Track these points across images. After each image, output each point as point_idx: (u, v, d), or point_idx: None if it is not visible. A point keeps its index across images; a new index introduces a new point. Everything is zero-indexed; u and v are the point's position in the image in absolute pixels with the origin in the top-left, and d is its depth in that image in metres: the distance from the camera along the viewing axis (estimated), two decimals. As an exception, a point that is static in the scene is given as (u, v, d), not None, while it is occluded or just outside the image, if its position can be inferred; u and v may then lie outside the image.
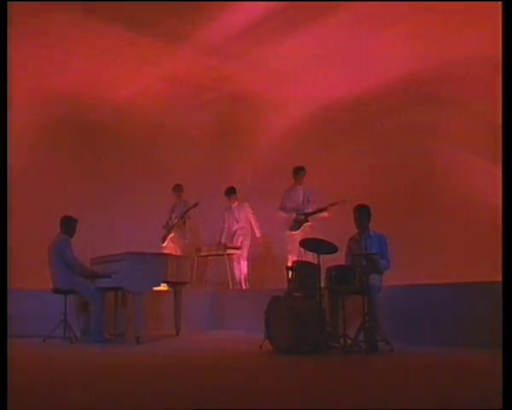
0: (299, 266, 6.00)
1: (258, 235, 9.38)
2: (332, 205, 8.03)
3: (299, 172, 8.50)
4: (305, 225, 8.28)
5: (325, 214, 8.16)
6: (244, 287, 9.15)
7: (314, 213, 8.25)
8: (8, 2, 4.28)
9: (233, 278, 9.28)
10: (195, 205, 9.19)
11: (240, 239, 9.36)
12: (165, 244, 9.54)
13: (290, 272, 5.94)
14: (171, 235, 9.54)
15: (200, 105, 10.20)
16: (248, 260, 9.38)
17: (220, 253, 9.26)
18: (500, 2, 3.72)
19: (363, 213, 6.29)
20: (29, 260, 8.72)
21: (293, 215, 8.36)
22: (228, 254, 9.21)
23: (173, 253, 8.75)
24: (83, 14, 7.92)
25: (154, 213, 9.63)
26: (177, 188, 9.70)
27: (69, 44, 8.64)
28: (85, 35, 8.47)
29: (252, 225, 9.40)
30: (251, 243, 9.42)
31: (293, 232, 8.29)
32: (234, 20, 8.10)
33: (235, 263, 9.32)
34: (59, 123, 9.85)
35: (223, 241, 9.35)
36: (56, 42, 8.49)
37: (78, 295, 7.15)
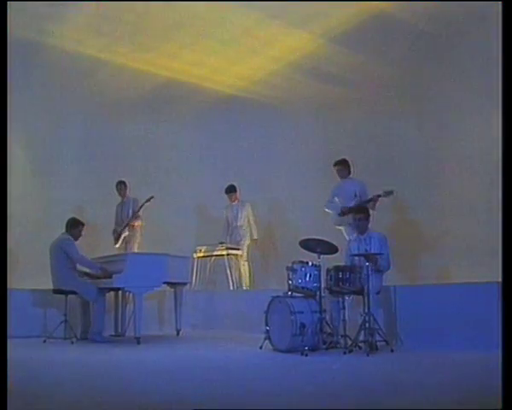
0: (299, 265, 5.99)
1: (255, 236, 9.38)
2: (378, 196, 7.22)
3: (336, 165, 7.80)
4: (347, 219, 7.35)
5: (370, 205, 7.20)
6: (244, 287, 9.15)
7: (362, 204, 7.25)
8: (9, 2, 4.29)
9: (233, 278, 9.28)
10: (150, 198, 8.80)
11: (238, 238, 9.35)
12: (118, 245, 9.09)
13: (290, 272, 5.94)
14: (125, 234, 9.11)
15: (198, 106, 10.21)
16: (248, 260, 9.38)
17: (220, 253, 9.24)
18: (500, 3, 3.73)
19: (359, 213, 6.29)
20: (29, 261, 8.75)
21: (339, 210, 7.55)
22: (228, 255, 9.20)
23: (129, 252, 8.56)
24: (83, 13, 7.92)
25: (152, 213, 9.57)
26: (121, 185, 9.22)
27: (69, 44, 8.64)
28: (86, 35, 8.47)
29: (251, 226, 9.41)
30: (250, 243, 9.42)
31: (338, 227, 7.61)
32: (235, 20, 8.11)
33: (236, 263, 9.32)
34: (59, 121, 9.85)
35: (223, 240, 9.32)
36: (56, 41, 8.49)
37: (79, 296, 7.15)
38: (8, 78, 4.56)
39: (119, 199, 9.31)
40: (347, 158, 7.81)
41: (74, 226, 7.29)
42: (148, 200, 8.85)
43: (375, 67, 8.62)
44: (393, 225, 8.33)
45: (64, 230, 7.27)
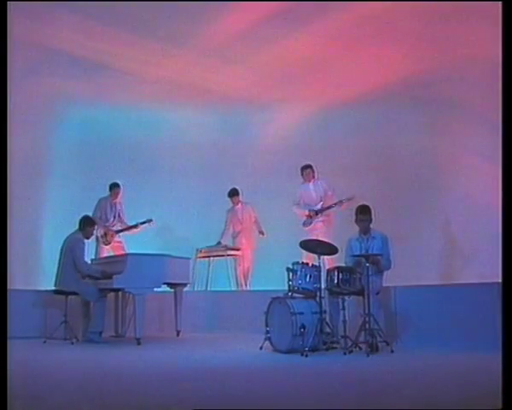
0: (300, 266, 5.99)
1: (262, 235, 9.32)
2: (341, 202, 8.12)
3: (303, 170, 8.59)
4: (315, 221, 8.34)
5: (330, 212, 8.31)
6: (245, 288, 9.14)
7: (324, 209, 8.33)
8: (9, 2, 4.29)
9: (233, 278, 9.29)
10: (149, 221, 8.92)
11: (243, 240, 9.34)
12: (108, 247, 8.97)
13: (290, 273, 5.94)
14: (118, 239, 9.05)
15: (201, 106, 10.21)
16: (252, 261, 9.36)
17: (220, 254, 9.25)
18: (500, 3, 3.72)
19: (364, 214, 6.28)
20: (29, 261, 8.75)
21: (306, 212, 8.43)
22: (228, 255, 9.21)
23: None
24: (83, 15, 7.93)
25: (155, 213, 9.53)
26: (116, 188, 9.09)
27: (68, 46, 8.65)
28: (84, 36, 8.48)
29: (255, 226, 9.39)
30: (255, 244, 9.39)
31: (306, 228, 8.36)
32: (234, 21, 8.11)
33: (236, 264, 9.32)
34: (59, 123, 9.86)
35: (222, 241, 9.32)
36: (56, 42, 8.50)
37: (81, 297, 7.14)
38: (7, 78, 4.55)
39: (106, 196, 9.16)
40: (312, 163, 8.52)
41: (88, 225, 7.30)
42: (146, 221, 8.93)
43: (376, 67, 8.62)
44: (395, 226, 8.32)
45: (77, 227, 7.26)
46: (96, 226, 7.44)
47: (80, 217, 7.34)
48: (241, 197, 9.46)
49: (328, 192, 8.43)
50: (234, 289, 9.17)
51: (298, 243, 6.26)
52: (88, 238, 7.33)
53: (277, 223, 9.50)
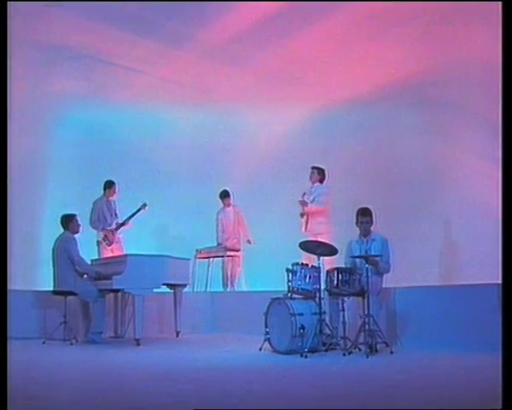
0: (299, 267, 5.98)
1: (249, 243, 9.33)
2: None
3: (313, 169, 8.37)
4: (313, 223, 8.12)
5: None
6: (244, 288, 9.15)
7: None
8: (9, 2, 4.29)
9: (232, 279, 9.29)
10: (144, 206, 8.86)
11: (234, 242, 9.35)
12: (110, 247, 8.89)
13: (290, 274, 5.93)
14: (119, 236, 9.02)
15: (200, 106, 10.21)
16: (242, 264, 9.36)
17: (220, 255, 9.26)
18: (500, 3, 3.73)
19: (365, 216, 6.27)
20: (28, 261, 8.75)
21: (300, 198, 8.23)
22: (227, 256, 9.21)
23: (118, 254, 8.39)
24: (83, 15, 7.94)
25: (153, 213, 9.52)
26: (112, 185, 9.01)
27: (68, 46, 8.66)
28: (85, 36, 8.48)
29: (243, 232, 9.39)
30: (246, 246, 9.41)
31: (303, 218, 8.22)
32: (234, 21, 8.12)
33: (235, 265, 9.32)
34: (58, 123, 9.86)
35: (221, 242, 9.32)
36: (56, 42, 8.51)
37: (80, 297, 7.13)
38: (7, 78, 4.54)
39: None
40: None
41: (69, 221, 7.24)
42: (141, 208, 8.89)
43: (376, 68, 8.63)
44: (395, 227, 8.32)
45: (62, 229, 7.24)
46: (77, 218, 7.35)
47: (60, 217, 7.28)
48: (232, 200, 9.45)
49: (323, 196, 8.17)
50: (232, 289, 9.17)
51: (292, 245, 6.26)
52: (77, 232, 7.25)
53: (276, 223, 9.52)
